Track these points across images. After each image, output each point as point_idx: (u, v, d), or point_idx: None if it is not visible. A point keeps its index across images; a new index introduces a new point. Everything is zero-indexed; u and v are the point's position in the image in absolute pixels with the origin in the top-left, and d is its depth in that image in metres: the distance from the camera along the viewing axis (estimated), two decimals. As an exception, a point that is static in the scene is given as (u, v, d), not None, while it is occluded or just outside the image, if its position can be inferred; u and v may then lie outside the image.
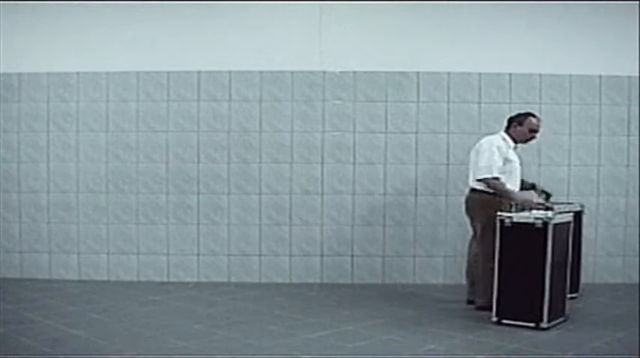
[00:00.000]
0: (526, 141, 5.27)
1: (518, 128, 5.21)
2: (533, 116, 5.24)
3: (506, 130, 5.26)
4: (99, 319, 4.89)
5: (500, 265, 4.76)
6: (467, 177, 5.37)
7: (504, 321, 4.77)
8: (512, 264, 4.74)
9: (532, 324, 4.69)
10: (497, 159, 5.05)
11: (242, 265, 6.15)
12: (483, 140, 5.20)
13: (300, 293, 5.76)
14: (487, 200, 5.09)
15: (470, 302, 5.36)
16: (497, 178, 5.04)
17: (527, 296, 4.70)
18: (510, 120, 5.27)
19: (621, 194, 6.13)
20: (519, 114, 5.28)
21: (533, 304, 4.67)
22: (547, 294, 4.63)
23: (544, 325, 4.66)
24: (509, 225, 4.73)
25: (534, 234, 4.64)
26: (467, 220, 5.46)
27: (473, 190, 5.22)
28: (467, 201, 5.33)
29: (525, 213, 4.79)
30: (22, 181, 6.14)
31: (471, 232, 5.50)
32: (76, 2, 6.04)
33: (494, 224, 4.91)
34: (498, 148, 5.08)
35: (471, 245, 5.47)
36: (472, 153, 5.31)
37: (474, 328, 4.78)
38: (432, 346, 4.34)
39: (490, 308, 5.05)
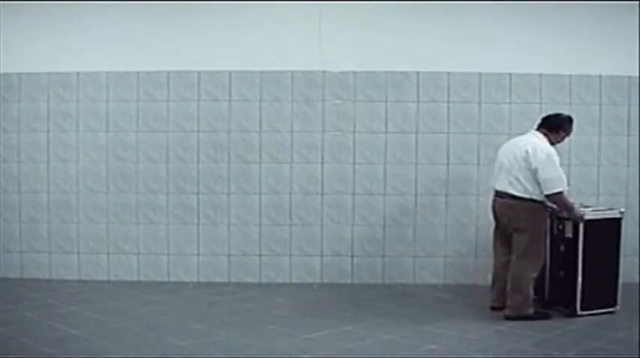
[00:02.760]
0: (555, 143, 5.07)
1: (562, 134, 5.06)
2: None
3: (547, 133, 5.00)
4: (99, 319, 4.89)
5: (583, 260, 4.97)
6: (496, 180, 5.11)
7: (583, 313, 4.99)
8: (592, 257, 4.98)
9: (611, 309, 5.06)
10: (559, 167, 4.86)
11: (242, 265, 6.14)
12: (527, 146, 4.88)
13: (300, 293, 5.76)
14: (536, 208, 4.90)
15: (495, 308, 5.13)
16: (562, 192, 4.86)
17: (605, 285, 5.04)
18: (557, 126, 5.02)
19: (621, 194, 6.12)
20: (566, 119, 5.07)
21: (610, 292, 5.06)
22: (620, 281, 5.08)
23: (618, 308, 5.07)
24: (588, 220, 4.99)
25: (610, 227, 5.07)
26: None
27: (515, 198, 4.91)
28: (506, 211, 5.00)
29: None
30: (22, 181, 6.14)
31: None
32: (76, 2, 6.03)
33: (543, 230, 5.00)
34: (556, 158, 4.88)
35: (496, 249, 5.23)
36: (506, 155, 5.03)
37: (474, 328, 4.78)
38: (432, 346, 4.34)
39: (524, 318, 4.90)
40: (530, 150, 4.87)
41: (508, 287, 4.97)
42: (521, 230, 4.93)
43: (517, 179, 4.91)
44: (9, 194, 6.15)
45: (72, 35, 6.08)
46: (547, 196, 4.85)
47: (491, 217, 5.25)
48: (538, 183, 4.86)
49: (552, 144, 5.01)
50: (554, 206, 4.99)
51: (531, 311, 4.96)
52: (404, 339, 4.48)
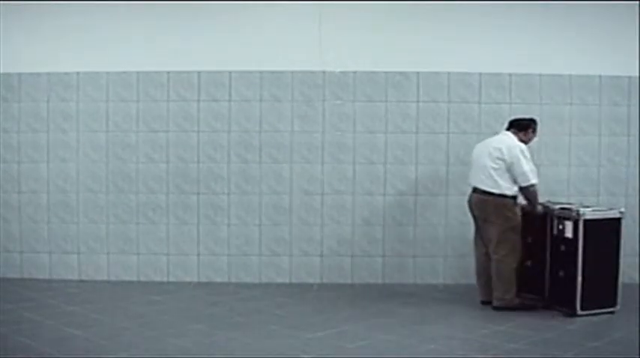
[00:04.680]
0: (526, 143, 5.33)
1: (531, 134, 5.35)
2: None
3: (515, 133, 5.29)
4: (99, 319, 4.89)
5: (583, 260, 4.97)
6: (472, 177, 5.37)
7: (583, 313, 4.98)
8: (591, 257, 4.98)
9: (611, 309, 5.06)
10: (531, 162, 5.18)
11: (242, 265, 6.14)
12: (501, 144, 5.17)
13: (300, 293, 5.76)
14: (505, 203, 5.14)
15: (485, 302, 5.32)
16: (535, 184, 5.17)
17: (605, 285, 5.03)
18: (525, 125, 5.32)
19: (621, 194, 6.12)
20: (531, 120, 5.38)
21: (610, 291, 5.03)
22: (620, 280, 5.08)
23: (618, 308, 5.05)
24: (588, 220, 4.99)
25: (610, 227, 5.05)
26: (470, 220, 5.46)
27: (486, 193, 5.19)
28: (478, 204, 5.29)
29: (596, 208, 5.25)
30: (22, 181, 6.14)
31: (472, 232, 5.51)
32: (76, 2, 6.04)
33: (514, 224, 5.12)
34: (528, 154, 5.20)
35: (476, 244, 5.44)
36: (480, 154, 5.30)
37: (474, 328, 4.78)
38: (432, 346, 4.34)
39: (510, 308, 5.10)
40: (504, 148, 5.16)
41: (493, 280, 5.20)
42: (490, 222, 5.20)
43: (490, 175, 5.16)
44: (9, 194, 6.14)
45: (72, 35, 6.08)
46: (522, 188, 5.14)
47: (469, 213, 5.45)
48: (512, 178, 5.12)
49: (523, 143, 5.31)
50: (525, 198, 5.24)
51: (517, 301, 5.16)
52: (404, 339, 4.48)
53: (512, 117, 5.49)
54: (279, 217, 6.12)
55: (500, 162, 5.12)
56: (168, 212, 6.13)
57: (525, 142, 5.26)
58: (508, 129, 5.35)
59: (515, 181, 5.13)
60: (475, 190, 5.31)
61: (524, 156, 5.11)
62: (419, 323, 4.88)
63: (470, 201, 5.39)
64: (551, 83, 6.11)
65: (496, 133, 5.48)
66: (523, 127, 5.31)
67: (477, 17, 6.06)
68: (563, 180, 6.10)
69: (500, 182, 5.12)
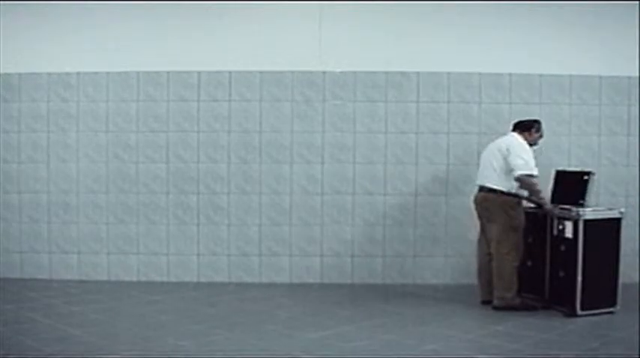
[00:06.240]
0: (533, 145, 5.34)
1: (535, 134, 5.36)
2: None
3: (520, 133, 5.30)
4: (99, 319, 4.89)
5: (583, 260, 4.96)
6: (479, 177, 5.39)
7: (583, 313, 4.97)
8: (591, 257, 4.97)
9: (611, 309, 5.05)
10: (532, 157, 5.17)
11: (242, 265, 6.14)
12: (505, 142, 5.21)
13: (300, 293, 5.76)
14: (507, 201, 5.16)
15: (485, 302, 5.34)
16: (534, 176, 5.12)
17: (605, 285, 5.02)
18: (528, 126, 5.34)
19: (621, 194, 6.13)
20: (535, 121, 5.39)
21: (610, 291, 5.03)
22: (620, 280, 5.07)
23: (618, 308, 5.04)
24: (588, 220, 4.98)
25: (610, 227, 5.04)
26: (475, 220, 5.46)
27: (490, 190, 5.22)
28: (481, 202, 5.32)
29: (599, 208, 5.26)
30: (22, 181, 6.14)
31: (476, 233, 5.51)
32: (76, 2, 6.04)
33: (516, 224, 5.13)
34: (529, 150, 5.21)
35: (480, 243, 5.45)
36: (487, 154, 5.34)
37: (474, 328, 4.79)
38: (432, 346, 4.34)
39: (511, 308, 5.11)
40: (508, 145, 5.21)
41: (494, 279, 5.20)
42: (493, 220, 5.22)
43: (495, 173, 5.21)
44: (9, 194, 6.15)
45: (72, 35, 6.08)
46: (516, 179, 5.11)
47: (472, 213, 5.46)
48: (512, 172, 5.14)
49: (530, 145, 5.30)
50: (524, 188, 5.19)
51: (517, 301, 5.17)
52: (404, 339, 4.48)
53: (517, 120, 5.47)
54: (279, 217, 6.12)
55: (506, 159, 5.15)
56: (168, 212, 6.13)
57: (531, 143, 5.27)
58: (513, 130, 5.36)
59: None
60: (481, 189, 5.33)
61: (523, 149, 5.13)
62: (419, 323, 4.88)
63: (475, 200, 5.40)
64: (551, 83, 6.12)
65: (499, 134, 5.48)
66: (526, 128, 5.33)
67: (477, 17, 6.07)
68: (563, 180, 6.09)
69: (504, 179, 5.15)
